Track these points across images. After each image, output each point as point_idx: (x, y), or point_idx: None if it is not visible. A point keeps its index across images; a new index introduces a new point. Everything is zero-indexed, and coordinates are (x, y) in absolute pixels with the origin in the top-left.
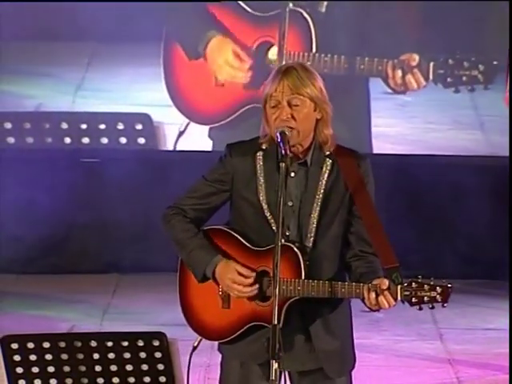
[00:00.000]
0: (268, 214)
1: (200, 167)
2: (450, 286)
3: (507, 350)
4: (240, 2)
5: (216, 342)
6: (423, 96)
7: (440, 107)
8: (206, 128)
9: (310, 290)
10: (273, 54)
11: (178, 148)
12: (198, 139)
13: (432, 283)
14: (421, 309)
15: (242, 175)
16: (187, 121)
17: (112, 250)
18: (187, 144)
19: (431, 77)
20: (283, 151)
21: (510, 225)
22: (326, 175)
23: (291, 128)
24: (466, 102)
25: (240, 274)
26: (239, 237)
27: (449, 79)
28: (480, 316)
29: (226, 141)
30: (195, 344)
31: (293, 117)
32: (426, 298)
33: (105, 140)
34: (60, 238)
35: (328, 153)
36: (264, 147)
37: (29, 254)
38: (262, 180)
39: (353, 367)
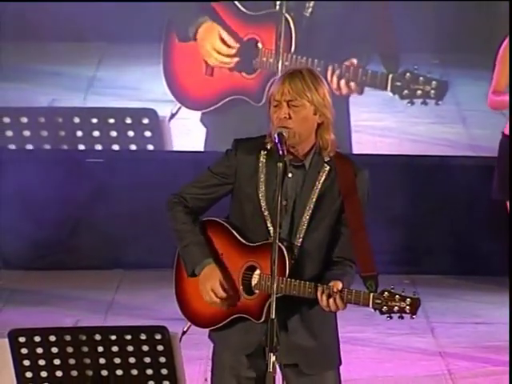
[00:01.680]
0: (266, 213)
1: (200, 167)
2: (418, 298)
3: (496, 343)
4: (236, 2)
5: (207, 334)
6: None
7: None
8: (197, 113)
9: (291, 289)
10: (259, 51)
11: (173, 134)
12: (190, 123)
13: (403, 294)
14: (390, 318)
15: (245, 171)
16: (179, 104)
17: (116, 247)
18: (180, 128)
19: (389, 88)
20: (280, 152)
21: (510, 224)
22: (322, 180)
23: (288, 128)
24: (449, 98)
25: (220, 285)
26: (234, 231)
27: (405, 92)
28: (470, 310)
29: (218, 127)
30: (185, 329)
31: (290, 117)
32: (395, 309)
33: (114, 133)
34: (66, 236)
35: (328, 159)
36: (268, 146)
37: (36, 250)
38: (262, 178)
39: (339, 365)
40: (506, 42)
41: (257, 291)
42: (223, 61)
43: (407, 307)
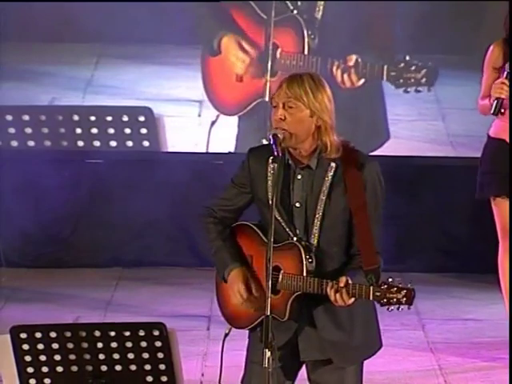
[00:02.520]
0: (277, 214)
1: (197, 167)
2: (413, 288)
3: (485, 339)
4: (255, 7)
5: (211, 332)
6: (392, 92)
7: (406, 101)
8: (234, 118)
9: (308, 286)
10: (279, 53)
11: (214, 138)
12: (226, 129)
13: (400, 286)
14: (390, 309)
15: (258, 178)
16: (217, 113)
17: (115, 246)
18: (219, 132)
19: (385, 77)
20: (275, 152)
21: (510, 224)
22: (330, 178)
23: (283, 130)
24: (430, 97)
25: (246, 286)
26: (260, 233)
27: (399, 81)
28: (459, 307)
29: (248, 128)
30: (226, 331)
31: (285, 118)
32: (393, 300)
33: (111, 130)
34: (66, 234)
35: (333, 157)
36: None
37: (37, 249)
38: (270, 183)
39: (368, 356)
40: (491, 48)
41: (282, 291)
42: (248, 68)
43: (403, 298)
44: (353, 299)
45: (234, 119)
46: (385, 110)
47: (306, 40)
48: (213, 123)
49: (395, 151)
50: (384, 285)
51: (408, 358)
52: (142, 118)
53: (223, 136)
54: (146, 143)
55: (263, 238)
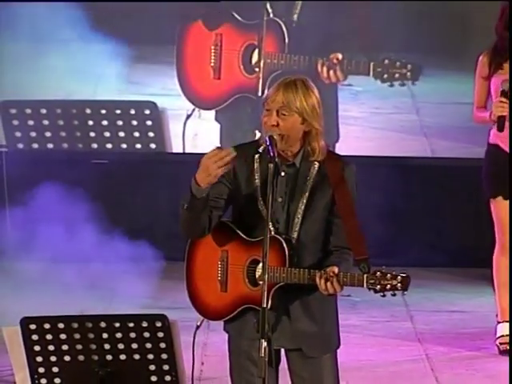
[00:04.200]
0: (261, 208)
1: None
2: (408, 275)
3: (470, 330)
4: (233, 13)
5: (212, 322)
6: (370, 87)
7: (383, 95)
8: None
9: (293, 277)
10: (256, 54)
11: (189, 131)
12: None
13: (394, 273)
14: (384, 296)
15: (242, 174)
16: (193, 106)
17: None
18: (196, 126)
19: (371, 74)
20: (271, 153)
21: (510, 224)
22: (313, 176)
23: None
24: (405, 92)
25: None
26: (236, 229)
27: (385, 76)
28: (445, 300)
29: (230, 122)
30: (198, 323)
31: (278, 124)
32: (388, 286)
33: (120, 122)
34: None
35: (319, 159)
36: (261, 150)
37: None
38: (257, 179)
39: (336, 347)
40: (480, 58)
41: (261, 282)
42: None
43: (399, 284)
44: (342, 288)
45: (211, 113)
46: (337, 113)
47: (287, 40)
48: (188, 116)
49: (373, 140)
50: (378, 273)
51: (397, 348)
52: (147, 111)
53: (204, 130)
54: (151, 134)
55: (239, 233)
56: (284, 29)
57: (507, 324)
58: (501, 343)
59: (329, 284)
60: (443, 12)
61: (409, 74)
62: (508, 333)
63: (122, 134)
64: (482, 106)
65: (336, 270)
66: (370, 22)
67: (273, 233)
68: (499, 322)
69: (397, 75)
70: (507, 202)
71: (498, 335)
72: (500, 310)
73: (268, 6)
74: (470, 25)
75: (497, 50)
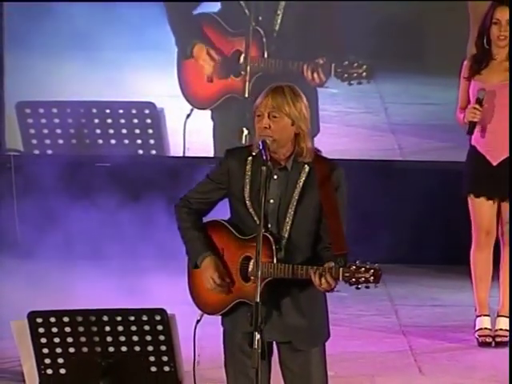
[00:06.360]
0: (251, 210)
1: (196, 168)
2: (379, 268)
3: (452, 323)
4: (221, 21)
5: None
6: (345, 89)
7: (356, 96)
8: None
9: (279, 272)
10: (242, 59)
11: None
12: (203, 120)
13: (368, 266)
14: (358, 288)
15: (235, 176)
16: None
17: None
18: (195, 124)
19: (333, 73)
20: (264, 157)
21: (510, 223)
22: (303, 179)
23: (269, 136)
24: (374, 93)
25: (218, 273)
26: (231, 228)
27: (344, 76)
28: (428, 295)
29: (222, 119)
30: (198, 318)
31: (270, 126)
32: (362, 279)
33: (122, 120)
34: None
35: (307, 160)
36: (254, 153)
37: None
38: (248, 180)
39: (325, 340)
40: (465, 63)
41: (252, 278)
42: (215, 70)
43: (371, 277)
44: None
45: (207, 112)
46: (317, 109)
47: (265, 47)
48: (188, 116)
49: (347, 135)
50: (353, 266)
51: (382, 340)
52: (147, 111)
53: (199, 127)
54: (150, 131)
55: (233, 231)
56: (264, 37)
57: (486, 318)
58: (480, 336)
59: (323, 279)
60: (407, 18)
61: (364, 73)
62: (486, 326)
63: (124, 130)
64: (465, 106)
65: (330, 265)
66: (340, 30)
67: (263, 230)
68: (477, 316)
69: (354, 75)
70: (482, 199)
71: (476, 328)
72: (478, 303)
73: (251, 17)
74: (430, 29)
75: (476, 56)
